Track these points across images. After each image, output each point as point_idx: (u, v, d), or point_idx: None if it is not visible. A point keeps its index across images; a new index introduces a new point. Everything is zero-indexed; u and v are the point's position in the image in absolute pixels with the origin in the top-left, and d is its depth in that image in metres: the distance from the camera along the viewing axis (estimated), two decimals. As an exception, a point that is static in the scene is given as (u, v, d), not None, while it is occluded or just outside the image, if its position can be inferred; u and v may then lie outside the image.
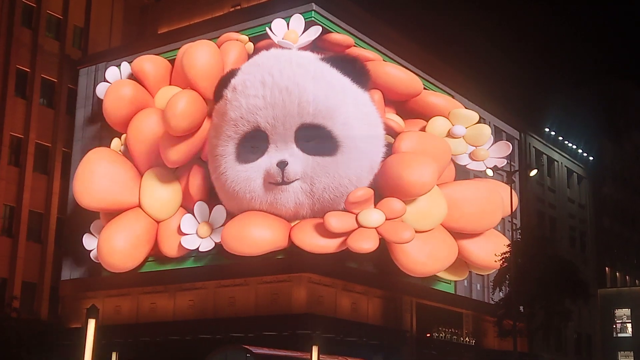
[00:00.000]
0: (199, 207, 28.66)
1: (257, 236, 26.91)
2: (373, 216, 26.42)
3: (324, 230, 26.32)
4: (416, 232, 27.02)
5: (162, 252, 29.86)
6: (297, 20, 28.46)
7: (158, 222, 30.04)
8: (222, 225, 27.97)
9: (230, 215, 27.92)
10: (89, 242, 31.51)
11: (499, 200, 30.51)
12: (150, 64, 31.38)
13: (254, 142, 26.68)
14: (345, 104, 26.85)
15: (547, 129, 45.41)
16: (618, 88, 57.06)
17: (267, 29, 28.40)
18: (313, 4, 28.91)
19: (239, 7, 33.49)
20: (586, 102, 53.85)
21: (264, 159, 26.49)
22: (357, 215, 26.31)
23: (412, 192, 27.41)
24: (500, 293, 29.94)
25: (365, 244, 26.23)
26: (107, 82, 32.36)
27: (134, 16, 39.17)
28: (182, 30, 33.35)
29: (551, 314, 28.64)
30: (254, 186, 26.62)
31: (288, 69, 26.84)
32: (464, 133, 30.51)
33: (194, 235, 28.64)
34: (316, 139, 26.24)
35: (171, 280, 30.20)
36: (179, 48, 31.05)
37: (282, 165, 26.04)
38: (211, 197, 28.64)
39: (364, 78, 27.57)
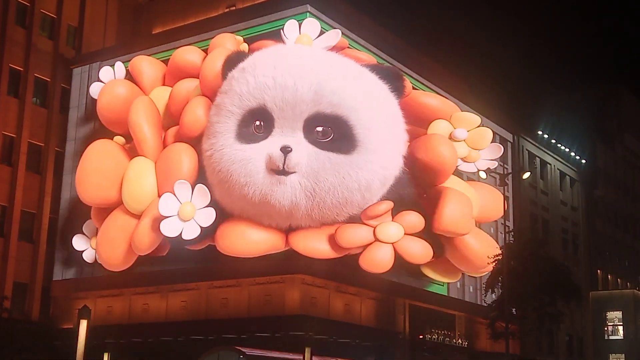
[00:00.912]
0: (180, 185, 25.98)
1: (253, 238, 25.93)
2: (391, 230, 24.95)
3: (326, 237, 25.40)
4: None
5: (133, 248, 27.99)
6: (311, 24, 27.58)
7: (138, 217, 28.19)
8: (206, 207, 25.76)
9: (214, 203, 25.79)
10: (80, 242, 31.36)
11: (491, 201, 30.55)
12: (146, 64, 31.30)
13: (257, 119, 24.60)
14: (379, 106, 25.52)
15: (540, 132, 45.55)
16: (610, 91, 57.28)
17: (281, 31, 27.57)
18: (308, 5, 28.85)
19: (233, 8, 33.44)
20: (579, 105, 54.07)
21: (267, 142, 24.47)
22: (374, 228, 24.92)
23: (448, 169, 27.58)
24: (493, 295, 30.05)
25: (381, 261, 25.17)
26: (101, 81, 32.24)
27: (128, 16, 39.06)
28: (176, 30, 33.31)
29: (543, 316, 28.74)
30: (251, 169, 24.43)
31: (309, 59, 25.71)
32: (465, 136, 30.28)
33: (174, 218, 25.91)
34: (333, 131, 24.40)
35: (163, 280, 30.10)
36: (173, 48, 30.97)
37: (285, 150, 24.02)
38: (198, 181, 26.43)
39: (400, 90, 26.59)
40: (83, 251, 31.34)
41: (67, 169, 34.38)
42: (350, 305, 29.56)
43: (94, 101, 32.45)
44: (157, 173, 28.20)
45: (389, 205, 25.21)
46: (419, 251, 25.78)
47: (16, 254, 33.88)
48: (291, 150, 24.08)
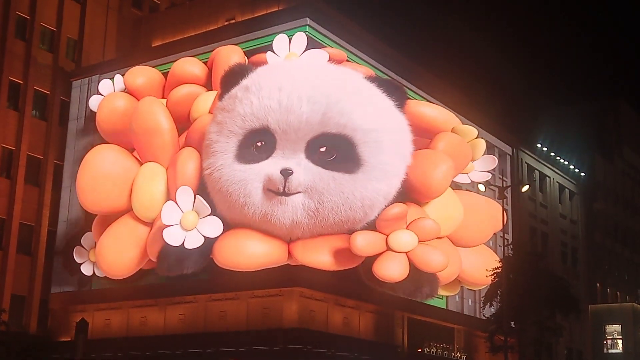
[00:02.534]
0: (183, 192, 25.63)
1: (253, 251, 25.73)
2: (404, 238, 24.60)
3: (330, 248, 25.25)
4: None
5: (149, 254, 27.61)
6: (299, 39, 27.53)
7: (150, 224, 27.80)
8: (208, 215, 25.51)
9: (218, 215, 25.57)
10: (79, 255, 31.33)
11: (492, 214, 30.51)
12: (142, 76, 31.30)
13: (259, 140, 24.51)
14: (385, 123, 25.36)
15: (539, 145, 45.61)
16: (609, 105, 57.46)
17: (269, 52, 27.59)
18: (307, 18, 28.95)
19: (233, 21, 33.55)
20: (578, 118, 54.19)
21: (267, 163, 24.46)
22: (387, 236, 24.66)
23: (435, 191, 26.89)
24: (492, 308, 30.02)
25: (394, 271, 24.80)
26: (100, 94, 32.32)
27: (128, 29, 39.15)
28: (176, 43, 33.41)
29: (542, 330, 28.71)
30: (250, 190, 24.43)
31: (313, 78, 25.47)
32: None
33: (176, 227, 25.51)
34: (337, 150, 24.29)
35: (162, 293, 30.04)
36: (172, 61, 31.07)
37: (286, 173, 24.00)
38: (201, 190, 26.33)
39: (403, 102, 26.53)
40: (81, 264, 31.30)
41: (66, 182, 34.39)
42: (348, 319, 29.49)
43: (93, 114, 32.49)
44: (168, 179, 27.64)
45: (401, 209, 24.69)
46: (435, 259, 25.27)
47: (14, 266, 33.79)
48: (292, 172, 24.04)
